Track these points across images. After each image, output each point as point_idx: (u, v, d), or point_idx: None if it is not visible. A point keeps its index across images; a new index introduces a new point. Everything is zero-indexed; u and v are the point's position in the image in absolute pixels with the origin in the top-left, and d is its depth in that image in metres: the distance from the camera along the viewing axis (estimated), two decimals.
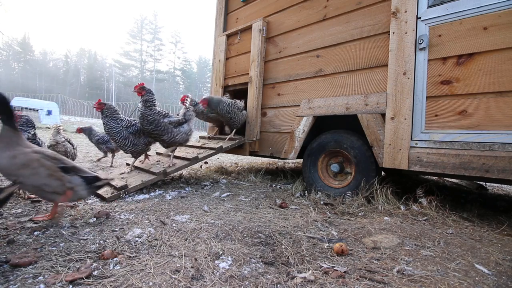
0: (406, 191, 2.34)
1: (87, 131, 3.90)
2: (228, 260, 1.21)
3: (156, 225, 1.61)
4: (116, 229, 1.54)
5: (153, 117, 2.51)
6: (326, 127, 2.80)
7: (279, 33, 3.20)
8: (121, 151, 3.23)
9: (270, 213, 1.95)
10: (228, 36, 3.88)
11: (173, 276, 1.07)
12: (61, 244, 1.33)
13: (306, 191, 2.62)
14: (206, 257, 1.22)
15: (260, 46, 3.30)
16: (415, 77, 2.04)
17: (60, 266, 1.12)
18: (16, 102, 15.46)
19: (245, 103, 3.55)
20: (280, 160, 5.32)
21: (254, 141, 3.33)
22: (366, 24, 2.41)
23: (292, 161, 5.58)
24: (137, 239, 1.41)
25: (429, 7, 2.01)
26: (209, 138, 3.74)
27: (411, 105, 2.04)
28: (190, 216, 1.79)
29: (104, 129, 2.60)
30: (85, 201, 2.15)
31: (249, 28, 3.49)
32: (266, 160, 5.69)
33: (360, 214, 1.98)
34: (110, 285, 1.00)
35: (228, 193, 2.49)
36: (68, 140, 3.07)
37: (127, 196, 2.27)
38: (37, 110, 15.29)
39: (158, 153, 3.42)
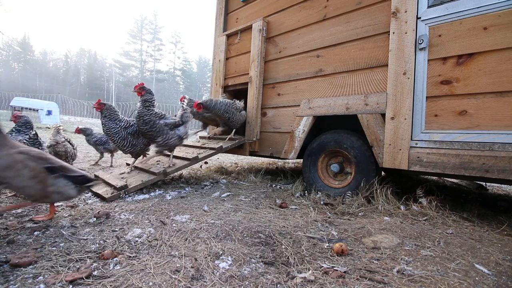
0: (406, 191, 2.34)
1: (87, 132, 3.88)
2: (228, 260, 1.21)
3: (156, 225, 1.61)
4: (116, 229, 1.54)
5: (149, 117, 2.50)
6: (326, 127, 2.80)
7: (279, 33, 3.20)
8: (121, 151, 3.23)
9: (270, 213, 1.95)
10: (228, 36, 3.88)
11: (173, 276, 1.07)
12: (61, 244, 1.33)
13: (306, 191, 2.62)
14: (206, 257, 1.22)
15: (260, 46, 3.30)
16: (415, 77, 2.04)
17: (60, 266, 1.12)
18: (16, 102, 15.47)
19: (245, 103, 3.55)
20: (280, 160, 5.32)
21: (254, 141, 3.33)
22: (366, 24, 2.41)
23: (292, 161, 5.58)
24: (137, 239, 1.41)
25: (429, 7, 2.01)
26: (209, 138, 3.74)
27: (411, 105, 2.04)
28: (190, 216, 1.79)
29: (103, 129, 2.60)
30: (85, 201, 2.15)
31: (249, 28, 3.49)
32: (266, 160, 5.69)
33: (360, 214, 1.98)
34: (110, 285, 1.00)
35: (228, 193, 2.49)
36: (68, 140, 3.07)
37: (127, 196, 2.27)
38: (37, 110, 15.30)
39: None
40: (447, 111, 1.91)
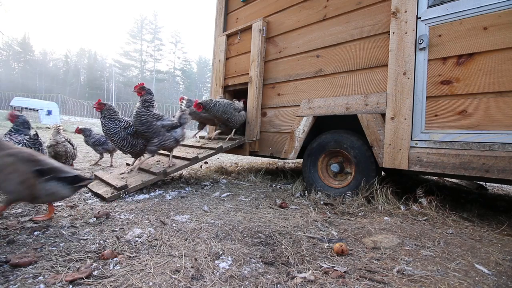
0: (406, 191, 2.34)
1: (86, 133, 3.85)
2: (228, 260, 1.21)
3: (156, 225, 1.61)
4: (116, 229, 1.54)
5: (146, 118, 2.49)
6: (326, 127, 2.80)
7: (279, 33, 3.20)
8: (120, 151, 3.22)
9: (270, 213, 1.95)
10: (228, 36, 3.88)
11: (173, 276, 1.07)
12: (61, 244, 1.33)
13: (306, 191, 2.62)
14: (206, 257, 1.22)
15: (260, 46, 3.30)
16: (415, 77, 2.04)
17: (60, 266, 1.12)
18: (16, 102, 15.48)
19: (244, 103, 3.55)
20: (280, 160, 5.32)
21: (254, 141, 3.33)
22: (366, 24, 2.41)
23: (292, 161, 5.58)
24: (137, 239, 1.41)
25: (429, 7, 2.01)
26: (209, 138, 3.74)
27: (411, 105, 2.04)
28: (190, 216, 1.79)
29: (103, 129, 2.60)
30: (85, 201, 2.16)
31: (249, 28, 3.49)
32: (266, 160, 5.69)
33: (360, 214, 1.98)
34: (110, 285, 1.00)
35: (228, 193, 2.49)
36: (68, 140, 3.08)
37: (127, 196, 2.27)
38: (37, 110, 15.30)
39: (158, 153, 3.42)
40: (447, 111, 1.91)
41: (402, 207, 2.05)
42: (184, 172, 3.48)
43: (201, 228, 1.57)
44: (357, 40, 2.47)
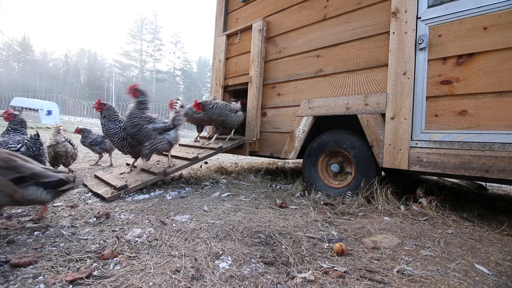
0: (406, 191, 2.34)
1: (85, 133, 3.84)
2: (228, 260, 1.21)
3: (156, 225, 1.61)
4: (116, 229, 1.54)
5: (137, 121, 2.40)
6: (326, 127, 2.80)
7: (279, 33, 3.20)
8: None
9: (270, 213, 1.95)
10: (228, 36, 3.88)
11: (173, 276, 1.07)
12: (61, 244, 1.33)
13: (306, 191, 2.62)
14: (206, 257, 1.22)
15: (260, 46, 3.30)
16: (415, 77, 2.04)
17: (60, 266, 1.12)
18: (16, 102, 15.47)
19: (242, 103, 3.54)
20: (280, 160, 5.32)
21: (254, 141, 3.33)
22: (366, 24, 2.41)
23: (292, 161, 5.58)
24: (137, 239, 1.41)
25: (429, 7, 2.01)
26: (209, 138, 3.74)
27: (411, 105, 2.04)
28: (190, 216, 1.79)
29: (102, 129, 2.60)
30: (85, 201, 2.16)
31: (249, 28, 3.49)
32: (266, 160, 5.69)
33: (360, 214, 1.98)
34: (110, 285, 1.00)
35: (228, 193, 2.49)
36: (68, 140, 3.07)
37: (127, 196, 2.27)
38: (37, 110, 15.30)
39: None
40: (447, 111, 1.91)
41: (402, 207, 2.05)
42: (184, 172, 3.48)
43: (201, 228, 1.57)
44: (357, 40, 2.47)
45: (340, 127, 2.59)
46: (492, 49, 1.74)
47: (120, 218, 1.73)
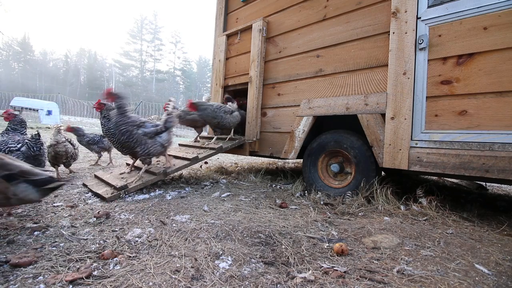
0: (406, 191, 2.34)
1: (79, 132, 3.79)
2: (228, 260, 1.21)
3: (156, 225, 1.61)
4: (116, 229, 1.54)
5: (125, 127, 2.31)
6: (326, 127, 2.80)
7: (279, 33, 3.20)
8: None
9: (270, 213, 1.95)
10: (228, 36, 3.88)
11: (173, 276, 1.07)
12: (61, 244, 1.33)
13: (306, 191, 2.62)
14: (206, 257, 1.22)
15: (260, 46, 3.30)
16: (415, 77, 2.04)
17: (60, 266, 1.12)
18: (16, 102, 15.48)
19: (238, 103, 3.53)
20: (280, 160, 5.32)
21: (254, 141, 3.33)
22: (366, 24, 2.41)
23: (292, 161, 5.58)
24: (137, 239, 1.41)
25: (429, 7, 2.01)
26: (209, 138, 3.74)
27: (411, 105, 2.04)
28: (190, 216, 1.79)
29: (102, 129, 2.59)
30: (85, 201, 2.16)
31: (249, 28, 3.49)
32: (266, 160, 5.69)
33: (360, 214, 1.98)
34: (110, 285, 1.00)
35: (228, 193, 2.49)
36: (69, 140, 3.07)
37: (127, 196, 2.27)
38: (37, 110, 15.30)
39: None
40: (447, 111, 1.91)
41: (402, 207, 2.05)
42: (184, 172, 3.48)
43: (201, 228, 1.57)
44: (357, 40, 2.47)
45: (340, 127, 2.59)
46: (492, 49, 1.74)
47: (120, 218, 1.73)
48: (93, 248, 1.30)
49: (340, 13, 2.61)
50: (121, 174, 2.69)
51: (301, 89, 2.93)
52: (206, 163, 4.62)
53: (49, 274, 1.06)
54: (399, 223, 1.75)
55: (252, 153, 3.39)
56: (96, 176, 2.79)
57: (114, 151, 4.15)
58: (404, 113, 2.07)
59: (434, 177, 3.97)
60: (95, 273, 1.08)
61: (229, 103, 3.42)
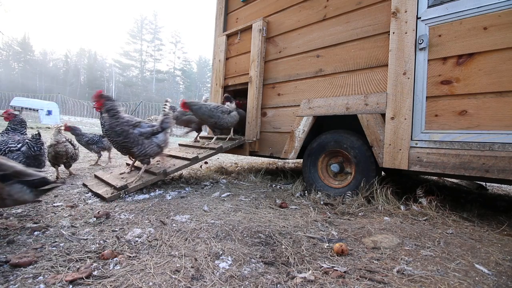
0: (406, 191, 2.34)
1: (76, 131, 3.77)
2: (228, 260, 1.21)
3: (156, 225, 1.61)
4: (116, 229, 1.54)
5: (121, 128, 2.29)
6: (326, 127, 2.80)
7: (279, 33, 3.20)
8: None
9: (270, 213, 1.95)
10: (228, 36, 3.88)
11: (173, 276, 1.07)
12: (61, 244, 1.33)
13: (306, 191, 2.62)
14: (206, 257, 1.22)
15: (260, 46, 3.30)
16: (415, 77, 2.04)
17: (60, 266, 1.12)
18: (16, 102, 15.49)
19: (237, 103, 3.53)
20: (280, 160, 5.32)
21: (254, 141, 3.33)
22: (366, 24, 2.41)
23: (292, 161, 5.58)
24: (137, 239, 1.41)
25: (429, 7, 2.01)
26: (209, 138, 3.74)
27: (411, 105, 2.04)
28: (190, 216, 1.79)
29: (102, 130, 2.59)
30: (85, 201, 2.16)
31: (249, 28, 3.49)
32: (266, 160, 5.69)
33: (360, 214, 1.98)
34: (110, 285, 1.00)
35: (228, 193, 2.49)
36: (69, 140, 3.07)
37: (127, 196, 2.27)
38: (37, 110, 15.31)
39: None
40: (447, 111, 1.91)
41: (402, 207, 2.05)
42: (184, 172, 3.48)
43: (201, 228, 1.57)
44: (357, 40, 2.47)
45: (340, 127, 2.59)
46: (492, 49, 1.74)
47: (120, 218, 1.73)
48: (93, 248, 1.30)
49: (340, 13, 2.61)
50: (121, 174, 2.69)
51: (301, 89, 2.93)
52: (206, 163, 4.62)
53: (49, 274, 1.06)
54: (399, 223, 1.76)
55: (252, 153, 3.39)
56: (96, 176, 2.79)
57: (114, 151, 4.15)
58: (404, 113, 2.07)
59: (434, 177, 3.97)
60: (95, 273, 1.08)
61: (227, 103, 3.42)
